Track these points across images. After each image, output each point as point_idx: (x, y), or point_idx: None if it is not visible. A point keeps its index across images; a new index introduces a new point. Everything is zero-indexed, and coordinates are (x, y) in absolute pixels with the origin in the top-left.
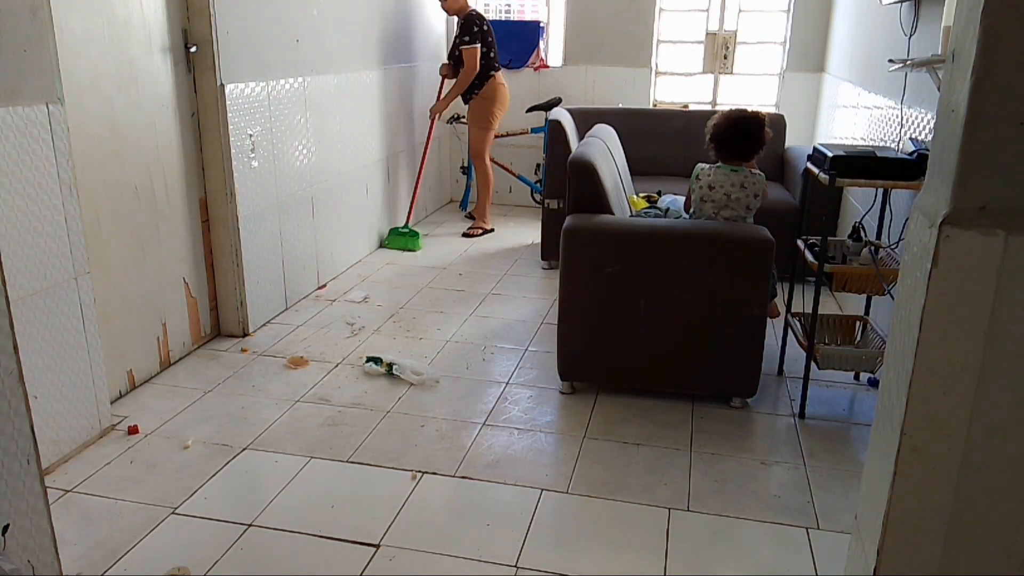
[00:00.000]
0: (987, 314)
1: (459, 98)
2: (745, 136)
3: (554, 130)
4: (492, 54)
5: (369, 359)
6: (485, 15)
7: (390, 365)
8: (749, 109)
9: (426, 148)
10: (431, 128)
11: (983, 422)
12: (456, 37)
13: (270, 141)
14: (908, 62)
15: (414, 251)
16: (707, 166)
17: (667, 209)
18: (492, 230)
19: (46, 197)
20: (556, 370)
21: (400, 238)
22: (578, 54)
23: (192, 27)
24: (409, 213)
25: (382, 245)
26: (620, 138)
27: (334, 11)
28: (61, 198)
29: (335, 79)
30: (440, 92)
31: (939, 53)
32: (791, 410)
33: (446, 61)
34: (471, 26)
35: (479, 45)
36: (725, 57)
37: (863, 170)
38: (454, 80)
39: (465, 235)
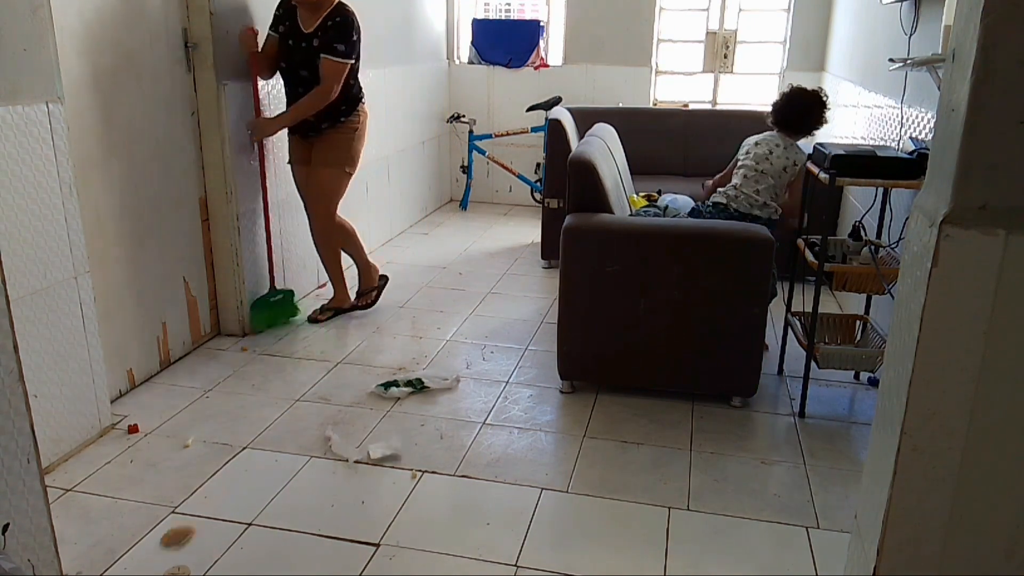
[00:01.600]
0: (987, 314)
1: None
2: (804, 110)
3: (554, 129)
4: (358, 68)
5: (387, 385)
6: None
7: (415, 383)
8: (812, 88)
9: (264, 190)
10: (262, 158)
11: (983, 422)
12: (315, 36)
13: (270, 140)
14: (908, 61)
15: (293, 318)
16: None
17: (666, 207)
18: (355, 307)
19: (46, 196)
20: (556, 369)
21: (271, 311)
22: (578, 53)
23: (192, 26)
24: (271, 273)
25: (252, 330)
26: (620, 137)
27: None
28: (61, 197)
29: None
30: (254, 77)
31: (939, 52)
32: (791, 409)
33: (252, 27)
34: (349, 30)
35: (353, 60)
36: (725, 56)
37: (863, 169)
38: (268, 67)
39: (313, 319)
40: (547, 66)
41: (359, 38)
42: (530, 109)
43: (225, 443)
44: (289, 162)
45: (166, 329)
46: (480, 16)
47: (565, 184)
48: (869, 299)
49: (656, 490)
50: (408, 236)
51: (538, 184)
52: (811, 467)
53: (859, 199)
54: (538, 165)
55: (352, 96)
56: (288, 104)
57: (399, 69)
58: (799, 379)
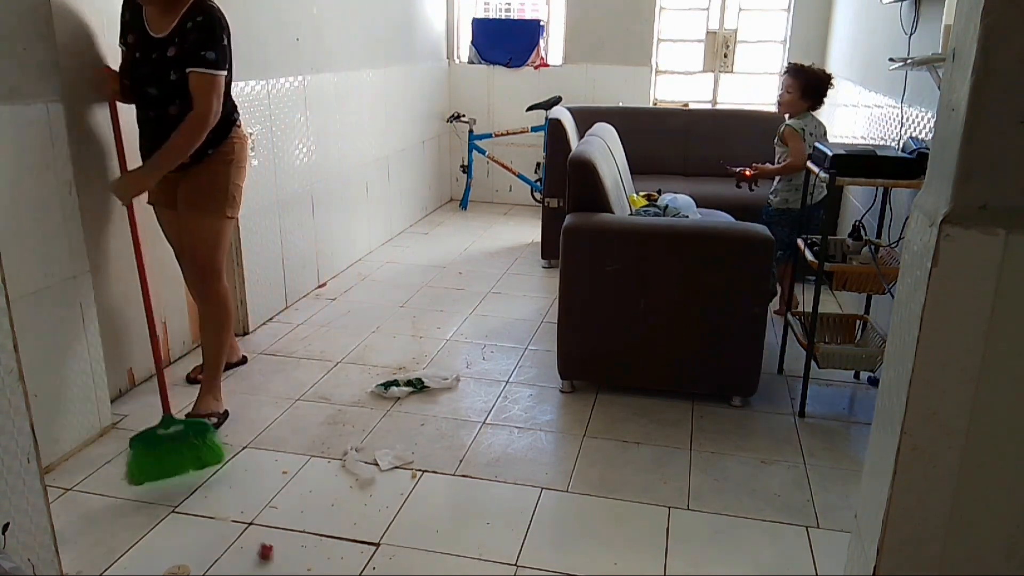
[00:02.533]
0: (987, 314)
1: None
2: (812, 86)
3: (554, 129)
4: (231, 80)
5: (387, 385)
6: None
7: (415, 382)
8: (805, 64)
9: (139, 257)
10: (132, 219)
11: (983, 422)
12: (169, 43)
13: (270, 140)
14: (908, 61)
15: (199, 469)
16: (796, 120)
17: (666, 207)
18: (226, 413)
19: (46, 196)
20: (556, 369)
21: (163, 456)
22: (578, 53)
23: None
24: (164, 394)
25: (131, 480)
26: (620, 137)
27: (334, 10)
28: (61, 197)
29: (335, 78)
30: (114, 121)
31: (939, 51)
32: (791, 409)
33: (108, 67)
34: (218, 32)
35: (226, 71)
36: (725, 56)
37: (863, 169)
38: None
39: (195, 415)
40: (547, 66)
41: (230, 41)
42: (530, 109)
43: (225, 442)
44: (150, 202)
45: (166, 329)
46: (480, 16)
47: (565, 184)
48: (869, 299)
49: (656, 490)
50: (408, 236)
51: (538, 184)
52: (811, 467)
53: (859, 199)
54: (538, 165)
55: (224, 118)
56: (140, 133)
57: (399, 69)
58: (799, 379)
